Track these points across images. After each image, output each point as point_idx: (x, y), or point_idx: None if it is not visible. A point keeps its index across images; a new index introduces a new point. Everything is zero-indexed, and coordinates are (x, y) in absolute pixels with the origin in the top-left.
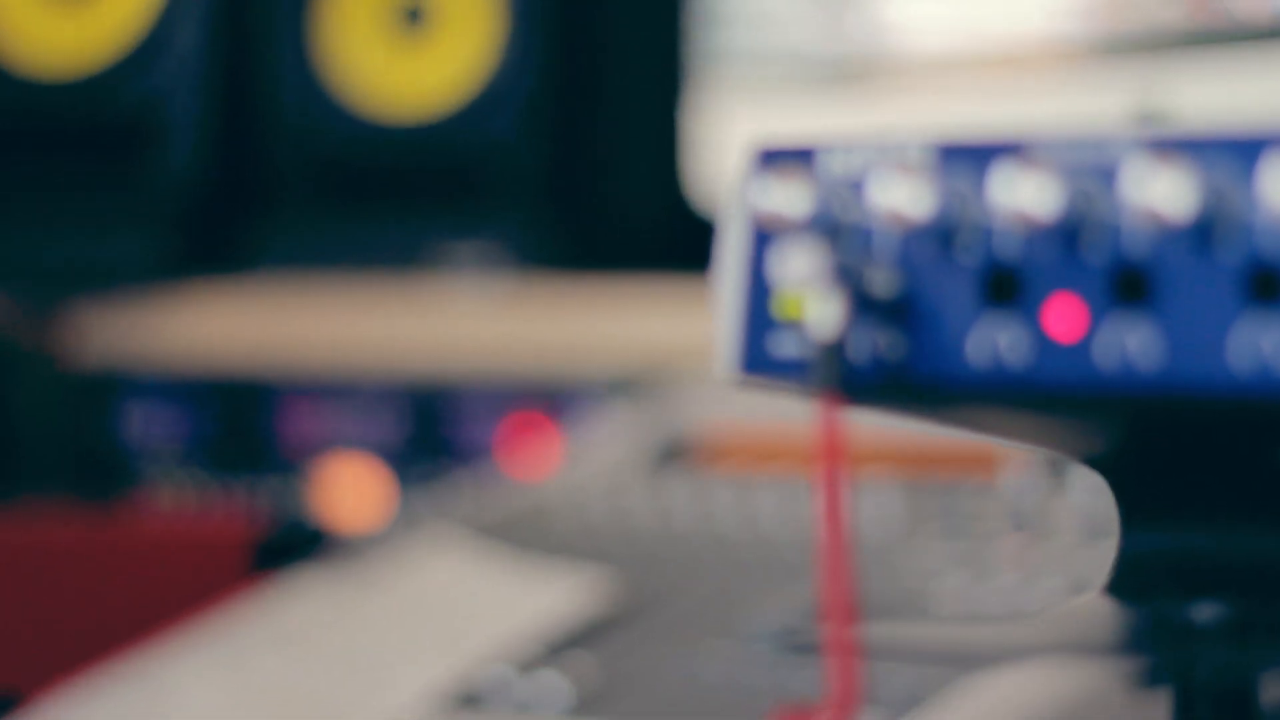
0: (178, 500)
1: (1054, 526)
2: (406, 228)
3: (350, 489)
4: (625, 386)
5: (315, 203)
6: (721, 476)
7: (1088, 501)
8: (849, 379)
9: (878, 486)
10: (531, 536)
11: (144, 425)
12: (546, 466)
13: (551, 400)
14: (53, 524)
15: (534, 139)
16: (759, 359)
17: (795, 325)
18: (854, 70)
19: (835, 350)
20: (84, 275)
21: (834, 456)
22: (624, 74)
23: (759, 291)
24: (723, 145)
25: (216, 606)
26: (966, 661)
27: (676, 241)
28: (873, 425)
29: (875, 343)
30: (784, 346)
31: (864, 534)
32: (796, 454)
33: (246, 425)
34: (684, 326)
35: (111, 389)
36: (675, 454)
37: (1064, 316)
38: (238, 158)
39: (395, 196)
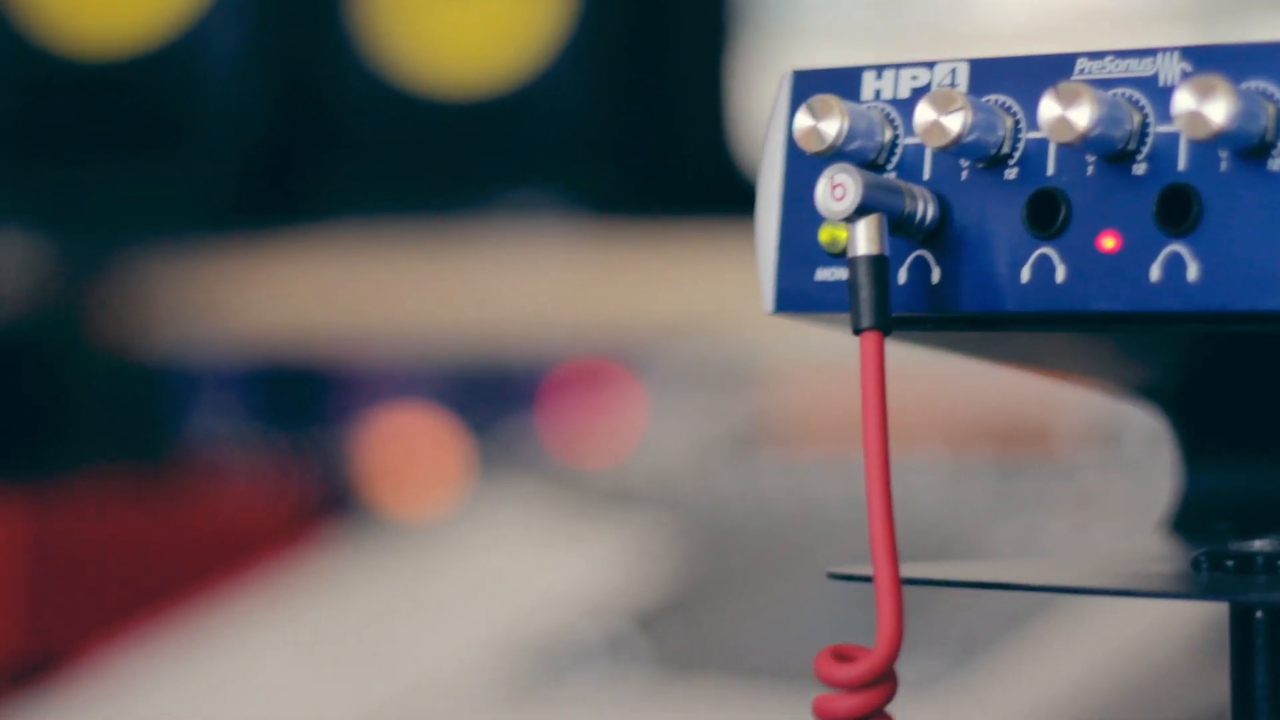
0: (234, 458)
1: (1107, 500)
2: (464, 179)
3: (411, 443)
4: (685, 333)
5: (373, 155)
6: (798, 449)
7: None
8: (891, 309)
9: (928, 462)
10: (581, 501)
11: (204, 396)
12: (602, 424)
13: (612, 347)
14: (107, 485)
15: (589, 89)
16: (801, 291)
17: (837, 254)
18: (902, 22)
19: (876, 280)
20: (139, 232)
21: (877, 391)
22: (676, 24)
23: (799, 221)
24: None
25: (277, 562)
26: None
27: (730, 188)
28: (921, 389)
29: (918, 269)
30: (826, 277)
31: (916, 510)
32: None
33: (303, 380)
34: (740, 273)
35: (171, 362)
36: (746, 429)
37: (1112, 237)
38: (295, 111)
39: (452, 146)
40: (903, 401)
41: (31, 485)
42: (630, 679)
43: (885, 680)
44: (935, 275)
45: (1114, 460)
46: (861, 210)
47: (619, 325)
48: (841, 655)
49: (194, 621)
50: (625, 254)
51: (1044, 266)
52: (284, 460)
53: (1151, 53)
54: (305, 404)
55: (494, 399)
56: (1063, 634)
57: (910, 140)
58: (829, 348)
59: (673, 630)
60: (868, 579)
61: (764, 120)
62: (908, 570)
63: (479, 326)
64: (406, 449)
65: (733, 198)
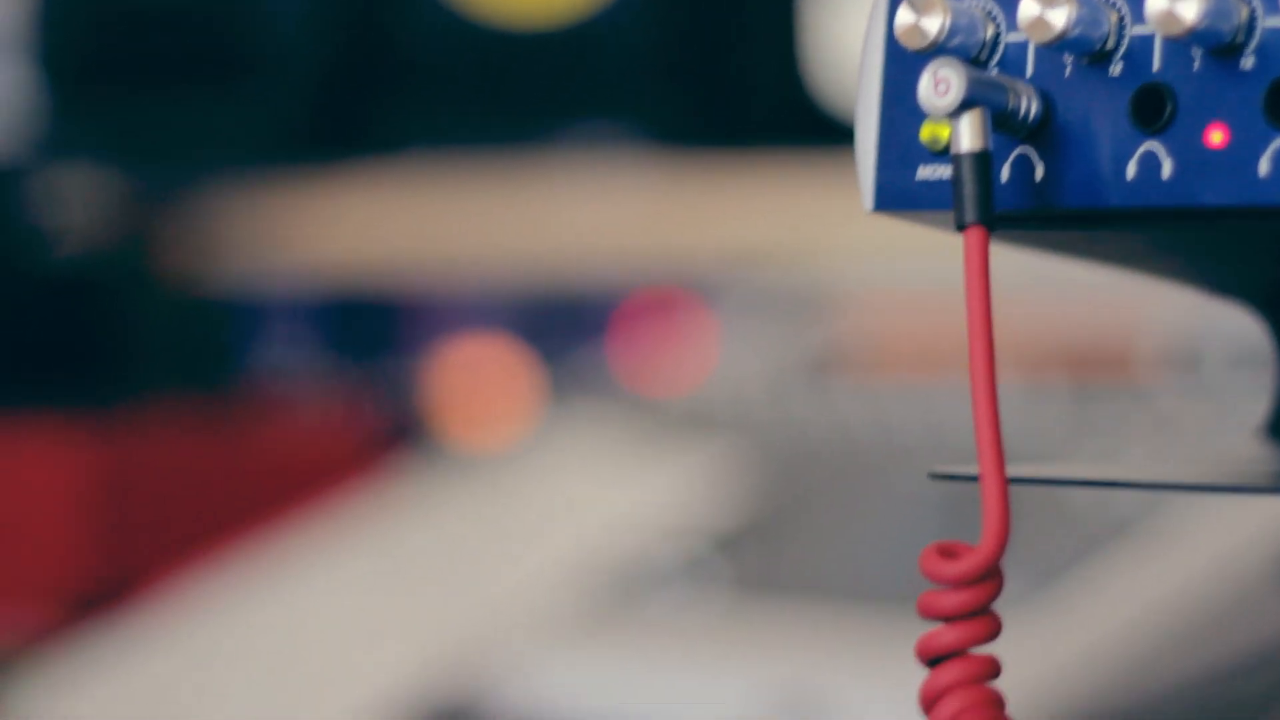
0: (304, 389)
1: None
2: (534, 109)
3: (482, 372)
4: (757, 261)
5: (442, 86)
6: (869, 375)
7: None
8: (995, 206)
9: (1005, 389)
10: (673, 426)
11: (271, 326)
12: (676, 353)
13: (680, 276)
14: (177, 415)
15: (659, 17)
16: (901, 190)
17: (938, 152)
18: None
19: (980, 176)
20: (208, 164)
21: (981, 288)
22: None
23: (900, 119)
24: (841, 22)
25: (347, 492)
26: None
27: (800, 117)
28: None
29: (1021, 166)
30: (927, 175)
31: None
32: (954, 354)
33: (373, 310)
34: (809, 202)
35: (238, 292)
36: (821, 355)
37: (1219, 131)
38: (364, 42)
39: (521, 77)
40: None
41: (102, 415)
42: (708, 601)
43: (991, 577)
44: (1039, 172)
45: (1194, 385)
46: (965, 105)
47: (691, 255)
48: (947, 551)
49: (264, 550)
50: (696, 184)
51: (1150, 162)
52: (354, 390)
53: None
54: (375, 334)
55: (565, 329)
56: (1142, 556)
57: (1013, 36)
58: (902, 274)
59: (751, 553)
60: (971, 478)
61: (835, 47)
62: (1013, 470)
63: (550, 256)
64: (478, 379)
65: (803, 126)
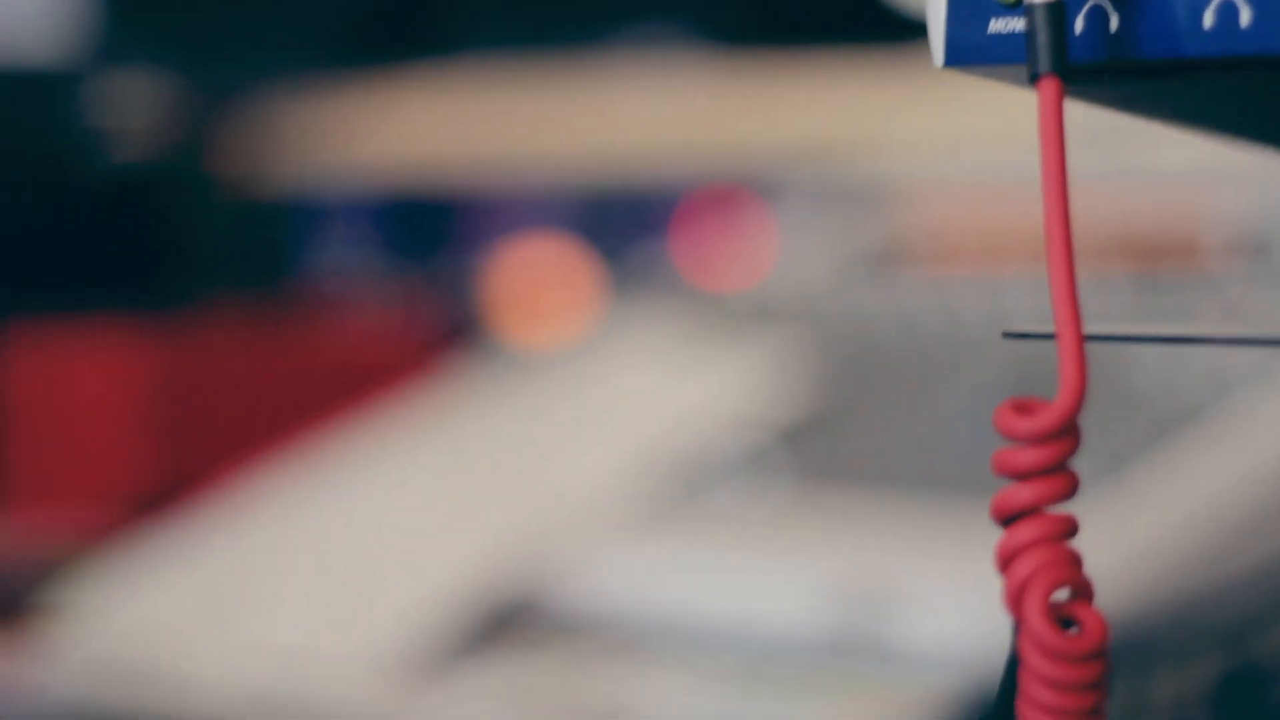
0: (362, 289)
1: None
2: (592, 8)
3: (541, 272)
4: (813, 162)
5: None
6: (931, 268)
7: None
8: (1070, 57)
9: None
10: (731, 324)
11: (326, 229)
12: (737, 248)
13: (740, 178)
14: (235, 317)
15: None
16: (973, 44)
17: (1010, 5)
18: None
19: (1054, 25)
20: (266, 65)
21: (1056, 140)
22: None
23: None
24: None
25: (410, 389)
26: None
27: (858, 13)
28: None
29: (1095, 17)
30: (999, 29)
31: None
32: (1019, 246)
33: (431, 210)
34: (868, 96)
35: (293, 194)
36: (881, 248)
37: None
38: None
39: None
40: (1040, 219)
41: (161, 318)
42: (772, 493)
43: (1069, 434)
44: (1113, 23)
45: (1262, 273)
46: None
47: (751, 150)
48: (1023, 408)
49: (323, 450)
50: (754, 81)
51: (1228, 10)
52: (412, 291)
53: None
54: (433, 234)
55: (625, 226)
56: (1212, 443)
57: None
58: (963, 167)
59: (815, 444)
60: (1047, 336)
61: None
62: (1089, 328)
63: (610, 155)
64: (537, 278)
65: (861, 21)
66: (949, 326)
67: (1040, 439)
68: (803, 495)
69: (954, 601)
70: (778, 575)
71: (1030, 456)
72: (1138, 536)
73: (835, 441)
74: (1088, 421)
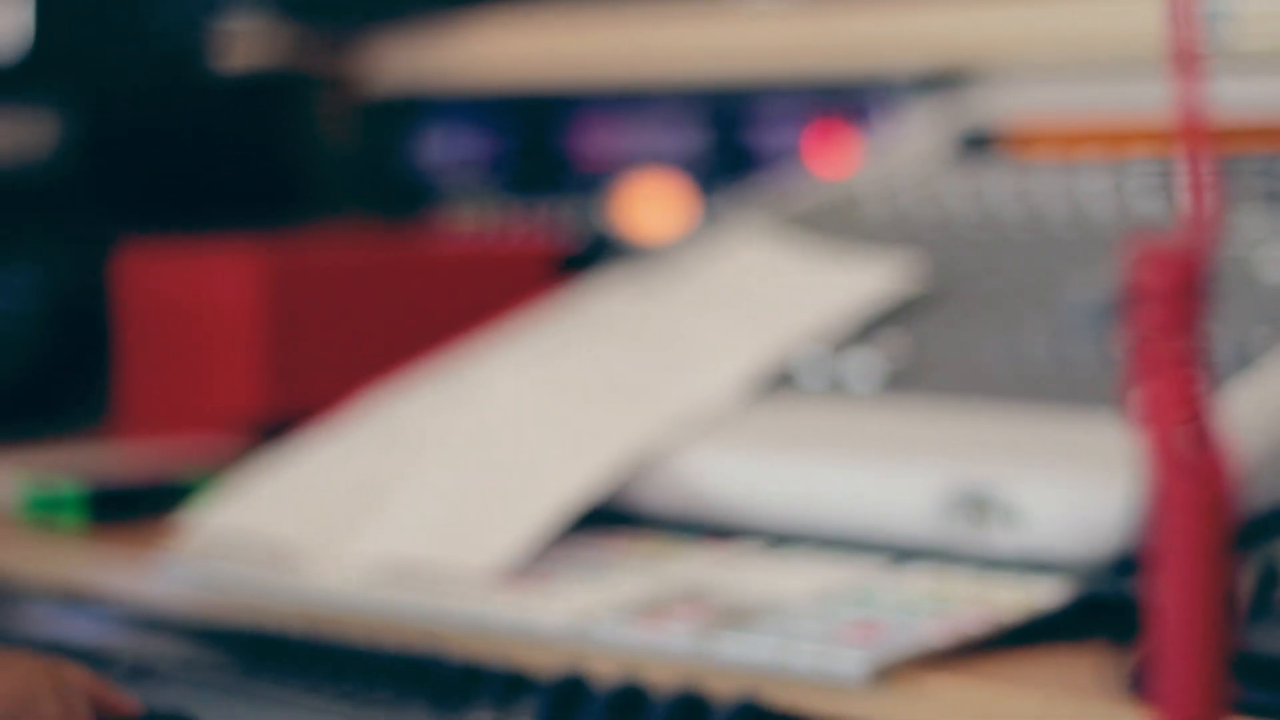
0: (478, 219)
1: None
2: None
3: (652, 201)
4: (927, 84)
5: None
6: (1029, 163)
7: None
8: None
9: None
10: (839, 225)
11: (442, 147)
12: (851, 165)
13: (853, 102)
14: (358, 243)
15: None
16: None
17: None
18: None
19: None
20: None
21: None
22: None
23: None
24: None
25: (525, 309)
26: None
27: None
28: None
29: None
30: None
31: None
32: (1104, 139)
33: (545, 143)
34: (984, 21)
35: (409, 111)
36: (981, 143)
37: None
38: None
39: None
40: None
41: (276, 237)
42: (863, 397)
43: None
44: None
45: None
46: None
47: (859, 79)
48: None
49: (446, 361)
50: (864, 4)
51: None
52: (530, 210)
53: None
54: (550, 156)
55: (731, 158)
56: None
57: None
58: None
59: (907, 347)
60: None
61: None
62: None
63: (717, 83)
64: (651, 194)
65: None
66: (1034, 221)
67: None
68: (892, 399)
69: (1043, 502)
70: (871, 480)
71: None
72: (1260, 429)
73: (941, 344)
74: (1217, 316)
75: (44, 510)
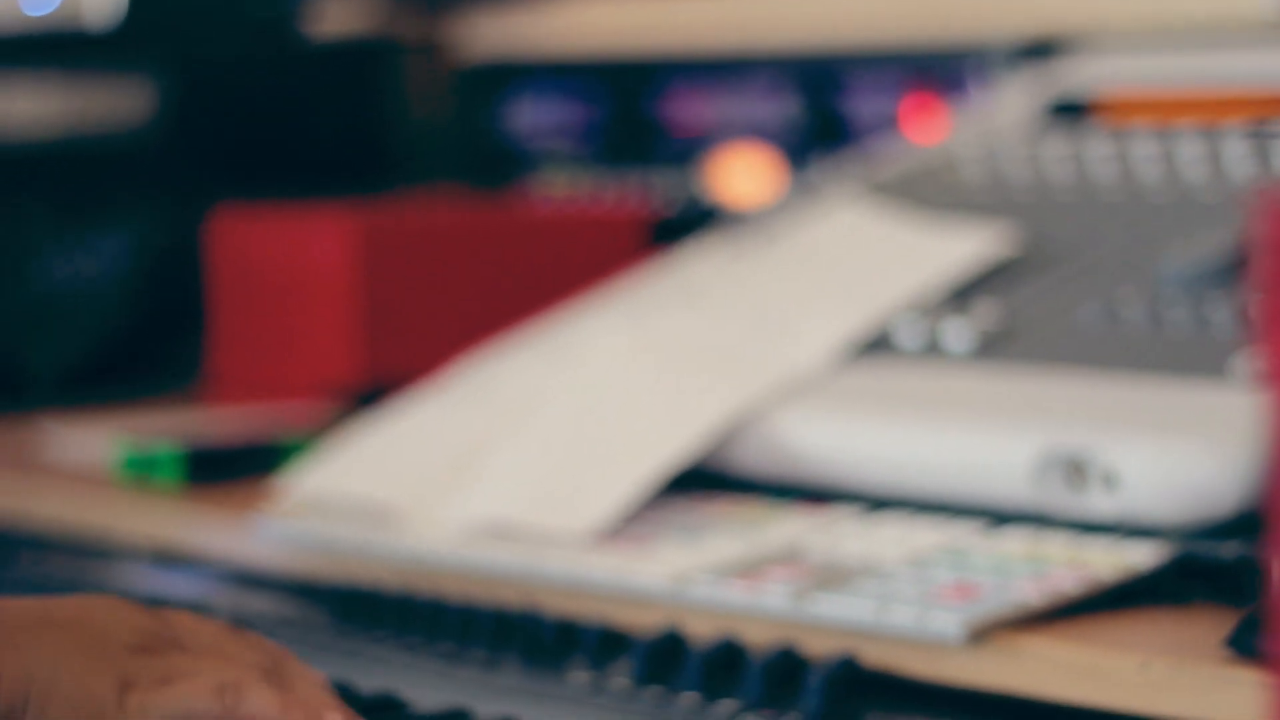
0: (570, 187)
1: None
2: None
3: (744, 171)
4: (1021, 54)
5: None
6: (1124, 132)
7: None
8: None
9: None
10: (933, 191)
11: (535, 115)
12: (944, 135)
13: (947, 73)
14: (451, 209)
15: None
16: None
17: None
18: None
19: None
20: None
21: None
22: None
23: None
24: None
25: (619, 275)
26: None
27: None
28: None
29: None
30: None
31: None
32: (1199, 109)
33: (637, 113)
34: None
35: (501, 79)
36: (1075, 112)
37: None
38: None
39: None
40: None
41: (369, 204)
42: (957, 356)
43: None
44: None
45: None
46: None
47: (952, 50)
48: None
49: (540, 329)
50: None
51: None
52: (623, 179)
53: None
54: (641, 120)
55: (823, 129)
56: None
57: None
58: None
59: (1004, 307)
60: None
61: None
62: None
63: (809, 54)
64: (743, 161)
65: None
66: (1130, 187)
67: None
68: (980, 363)
69: (1140, 472)
70: (965, 447)
71: None
72: None
73: (1035, 311)
74: None
75: (140, 470)
